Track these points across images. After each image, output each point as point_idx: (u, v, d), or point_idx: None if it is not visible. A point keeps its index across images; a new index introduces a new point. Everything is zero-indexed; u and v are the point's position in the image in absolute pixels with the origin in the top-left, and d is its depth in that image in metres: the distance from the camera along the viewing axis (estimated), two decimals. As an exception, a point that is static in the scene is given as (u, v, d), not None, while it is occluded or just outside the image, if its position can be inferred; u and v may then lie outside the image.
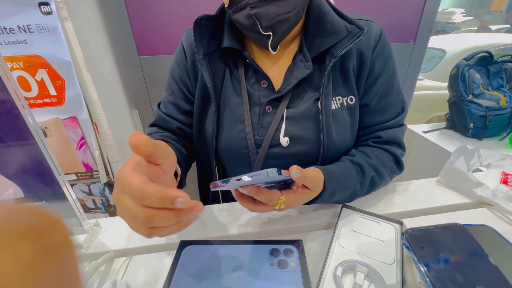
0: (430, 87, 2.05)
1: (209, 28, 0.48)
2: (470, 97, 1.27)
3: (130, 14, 0.93)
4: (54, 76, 0.89)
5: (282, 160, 0.49)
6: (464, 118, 1.29)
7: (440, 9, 1.15)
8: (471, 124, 1.28)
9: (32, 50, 0.85)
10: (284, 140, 0.47)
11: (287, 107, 0.48)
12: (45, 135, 0.97)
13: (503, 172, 0.56)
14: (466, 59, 1.32)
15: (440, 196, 0.52)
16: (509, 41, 2.31)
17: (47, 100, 0.93)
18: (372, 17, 1.05)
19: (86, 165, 1.07)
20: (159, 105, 0.57)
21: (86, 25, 0.89)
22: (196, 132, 0.54)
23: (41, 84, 0.90)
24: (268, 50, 0.45)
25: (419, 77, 1.31)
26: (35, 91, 0.91)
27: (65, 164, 1.05)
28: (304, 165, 0.49)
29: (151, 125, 0.57)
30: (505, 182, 0.53)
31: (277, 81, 0.49)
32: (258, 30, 0.41)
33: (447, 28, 4.84)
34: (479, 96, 1.28)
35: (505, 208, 0.46)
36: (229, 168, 0.55)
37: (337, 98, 0.48)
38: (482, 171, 0.60)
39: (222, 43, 0.48)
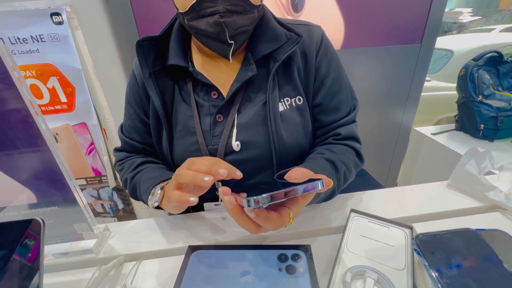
0: (438, 88, 2.02)
1: (153, 48, 0.49)
2: (480, 98, 1.25)
3: (138, 22, 0.95)
4: (65, 83, 0.92)
5: (238, 167, 0.50)
6: (474, 119, 1.27)
7: (446, 9, 1.14)
8: (482, 126, 1.25)
9: (44, 59, 0.88)
10: (235, 145, 0.48)
11: (237, 114, 0.49)
12: (56, 141, 0.99)
13: (516, 174, 0.54)
14: (475, 59, 1.30)
15: (451, 199, 0.51)
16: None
17: (58, 107, 0.95)
18: (378, 18, 1.06)
19: (95, 170, 1.09)
20: (121, 129, 0.59)
21: (96, 34, 0.92)
22: (157, 148, 0.56)
23: (53, 91, 0.93)
24: (227, 58, 0.46)
25: (427, 78, 1.29)
26: (46, 98, 0.94)
27: (75, 169, 1.07)
28: (259, 168, 0.51)
29: (119, 150, 0.59)
30: (518, 185, 0.52)
31: (227, 91, 0.50)
32: (224, 38, 0.42)
33: (454, 28, 4.78)
34: (489, 97, 1.25)
35: (519, 212, 0.44)
36: None
37: (285, 99, 0.50)
38: (495, 173, 0.58)
39: (167, 61, 0.49)
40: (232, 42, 0.43)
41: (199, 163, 0.37)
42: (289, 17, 1.04)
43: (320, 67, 0.52)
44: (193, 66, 0.50)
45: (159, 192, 0.44)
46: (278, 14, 1.04)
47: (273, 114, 0.48)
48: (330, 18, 1.05)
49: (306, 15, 1.04)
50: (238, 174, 0.36)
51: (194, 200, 0.35)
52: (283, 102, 0.50)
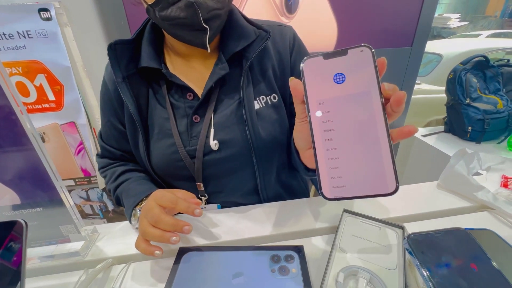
0: (428, 91, 2.07)
1: (126, 51, 0.48)
2: (468, 101, 1.28)
3: (130, 19, 0.93)
4: (53, 81, 0.89)
5: (218, 166, 0.51)
6: (462, 122, 1.30)
7: (435, 15, 1.17)
8: (469, 128, 1.28)
9: (31, 55, 0.86)
10: (213, 144, 0.49)
11: (214, 113, 0.49)
12: (43, 140, 0.97)
13: (503, 175, 0.56)
14: (463, 63, 1.33)
15: (441, 199, 0.52)
16: (503, 45, 2.34)
17: (46, 105, 0.93)
18: (370, 22, 1.07)
19: (84, 170, 1.06)
20: (101, 136, 0.58)
21: (86, 31, 0.90)
22: (135, 153, 0.55)
23: (40, 89, 0.90)
24: (204, 47, 0.45)
25: (417, 81, 1.32)
26: (33, 96, 0.91)
27: (63, 169, 1.04)
28: (239, 166, 0.51)
29: (101, 156, 0.59)
30: (505, 185, 0.53)
31: (201, 91, 0.50)
32: (198, 21, 0.41)
33: (443, 33, 4.91)
34: (477, 100, 1.29)
35: (507, 212, 0.45)
36: (174, 183, 0.54)
37: (260, 97, 0.51)
38: (482, 174, 0.60)
39: (139, 64, 0.48)
40: (207, 27, 0.42)
41: (162, 221, 0.37)
42: (283, 19, 1.05)
43: (296, 65, 0.53)
44: (167, 68, 0.50)
45: (139, 213, 0.45)
46: (271, 15, 1.04)
47: (249, 112, 0.48)
48: (324, 20, 1.06)
49: (300, 17, 1.04)
50: (197, 213, 0.39)
51: (158, 253, 0.37)
52: (258, 100, 0.50)
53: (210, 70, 0.50)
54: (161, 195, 0.40)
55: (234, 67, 0.49)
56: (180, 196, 0.41)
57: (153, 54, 0.49)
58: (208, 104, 0.49)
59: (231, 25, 0.49)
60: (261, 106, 0.51)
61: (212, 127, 0.49)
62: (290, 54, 0.52)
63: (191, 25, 0.42)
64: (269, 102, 0.51)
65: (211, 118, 0.49)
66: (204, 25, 0.42)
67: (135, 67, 0.49)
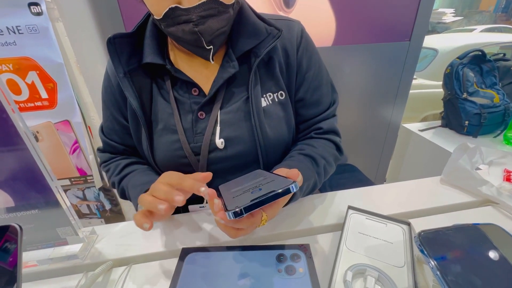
0: (424, 86, 2.07)
1: (126, 45, 0.47)
2: (465, 95, 1.28)
3: (124, 13, 0.90)
4: (46, 78, 0.86)
5: (223, 163, 0.50)
6: (459, 116, 1.30)
7: (432, 9, 1.16)
8: (466, 122, 1.29)
9: (22, 52, 0.83)
10: (219, 142, 0.48)
11: (220, 110, 0.49)
12: (37, 140, 0.94)
13: (505, 169, 0.56)
14: (460, 57, 1.33)
15: (445, 194, 0.52)
16: (498, 39, 2.35)
17: (39, 103, 0.90)
18: (368, 17, 1.06)
19: (80, 170, 1.04)
20: (102, 130, 0.58)
21: (79, 26, 0.87)
22: (138, 149, 0.54)
23: (32, 87, 0.87)
24: (208, 60, 0.46)
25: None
26: (25, 94, 0.88)
27: (58, 169, 1.02)
28: (245, 164, 0.51)
29: (102, 151, 0.59)
30: (508, 179, 0.53)
31: (208, 87, 0.49)
32: (202, 45, 0.42)
33: (438, 28, 4.93)
34: (473, 94, 1.29)
35: (511, 206, 0.45)
36: None
37: (267, 95, 0.50)
38: (481, 169, 0.60)
39: (143, 59, 0.47)
40: (211, 46, 0.43)
41: (157, 189, 0.37)
42: (281, 13, 1.03)
43: (302, 62, 0.51)
44: (171, 63, 0.49)
45: None
46: (269, 10, 1.02)
47: (256, 110, 0.47)
48: (322, 14, 1.04)
49: (298, 11, 1.03)
50: (202, 191, 0.35)
51: (147, 226, 0.35)
52: (265, 98, 0.50)
53: (215, 65, 0.49)
54: (168, 173, 0.40)
55: (242, 64, 0.48)
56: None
57: (157, 49, 0.48)
58: (215, 101, 0.48)
59: (241, 22, 0.47)
60: (268, 103, 0.50)
61: (218, 125, 0.48)
62: (297, 51, 0.51)
63: (195, 44, 0.43)
64: (276, 100, 0.50)
65: (218, 115, 0.48)
66: (207, 47, 0.42)
67: (137, 61, 0.48)
